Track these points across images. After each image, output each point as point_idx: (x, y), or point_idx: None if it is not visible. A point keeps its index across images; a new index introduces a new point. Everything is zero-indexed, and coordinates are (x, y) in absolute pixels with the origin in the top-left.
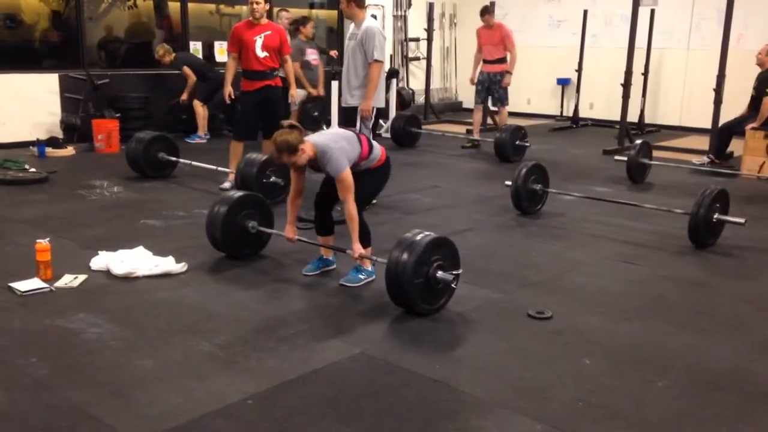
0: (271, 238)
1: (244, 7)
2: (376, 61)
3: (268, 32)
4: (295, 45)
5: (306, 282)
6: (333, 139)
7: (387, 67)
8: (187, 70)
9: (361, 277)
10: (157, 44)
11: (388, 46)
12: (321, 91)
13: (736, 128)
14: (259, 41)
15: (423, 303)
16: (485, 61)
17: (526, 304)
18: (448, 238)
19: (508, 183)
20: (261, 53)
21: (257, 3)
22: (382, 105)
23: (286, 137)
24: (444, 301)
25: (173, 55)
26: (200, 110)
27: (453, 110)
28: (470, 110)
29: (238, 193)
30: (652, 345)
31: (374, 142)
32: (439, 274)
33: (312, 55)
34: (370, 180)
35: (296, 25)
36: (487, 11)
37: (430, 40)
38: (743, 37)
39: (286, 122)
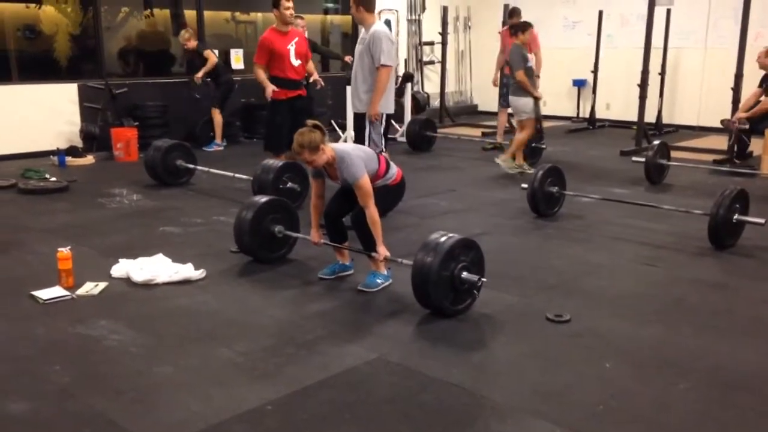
0: (297, 241)
1: (260, 14)
2: (383, 65)
3: (297, 39)
4: (518, 51)
5: (324, 287)
6: (353, 148)
7: (401, 71)
8: (210, 53)
9: (379, 281)
10: (174, 52)
11: (402, 50)
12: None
13: (756, 126)
14: (292, 49)
15: (446, 301)
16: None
17: (544, 308)
18: (477, 243)
19: (525, 186)
20: (296, 61)
21: (293, 8)
22: (391, 111)
23: (309, 135)
24: (468, 303)
25: (197, 42)
26: (218, 118)
27: (468, 113)
28: (486, 113)
29: (264, 198)
30: (673, 348)
31: (392, 163)
32: (464, 274)
33: (530, 62)
34: (383, 197)
35: (515, 30)
36: (515, 13)
37: (444, 43)
38: (761, 36)
39: (310, 122)
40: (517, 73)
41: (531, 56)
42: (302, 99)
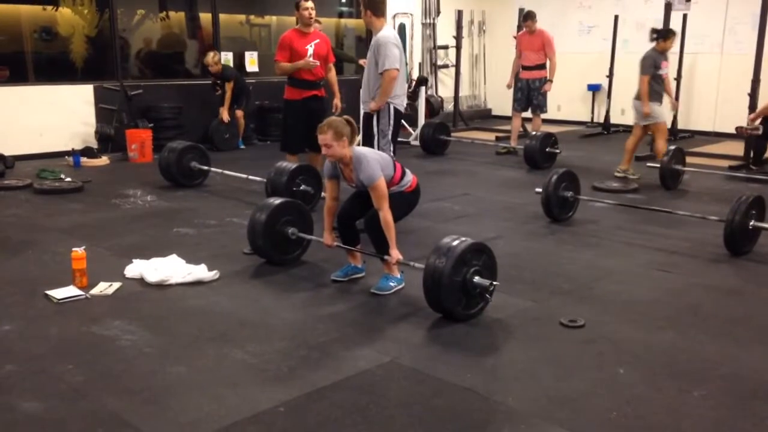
0: (311, 243)
1: (274, 18)
2: (386, 70)
3: (317, 41)
4: (650, 56)
5: (336, 290)
6: (370, 152)
7: (415, 75)
8: (230, 86)
9: (392, 284)
10: (189, 55)
11: (416, 53)
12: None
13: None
14: (310, 50)
15: (458, 305)
16: (524, 68)
17: (558, 313)
18: (489, 247)
19: (539, 190)
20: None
21: (312, 9)
22: (402, 108)
23: (342, 121)
24: (480, 307)
25: (221, 65)
26: (241, 117)
27: (482, 117)
28: (500, 117)
29: (278, 200)
30: (688, 354)
31: (407, 170)
32: (476, 279)
33: (664, 69)
34: (398, 203)
35: (656, 35)
36: (529, 17)
37: (458, 47)
38: None
39: (345, 117)
40: (640, 77)
41: (666, 63)
42: (318, 99)
